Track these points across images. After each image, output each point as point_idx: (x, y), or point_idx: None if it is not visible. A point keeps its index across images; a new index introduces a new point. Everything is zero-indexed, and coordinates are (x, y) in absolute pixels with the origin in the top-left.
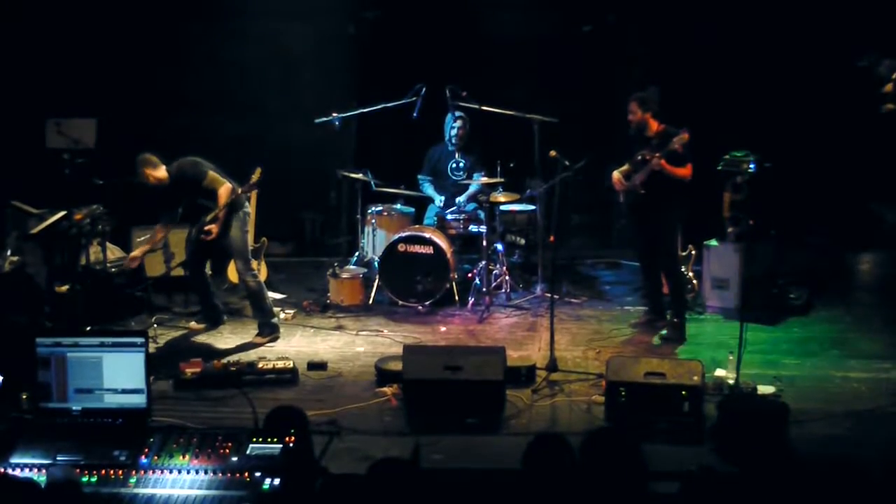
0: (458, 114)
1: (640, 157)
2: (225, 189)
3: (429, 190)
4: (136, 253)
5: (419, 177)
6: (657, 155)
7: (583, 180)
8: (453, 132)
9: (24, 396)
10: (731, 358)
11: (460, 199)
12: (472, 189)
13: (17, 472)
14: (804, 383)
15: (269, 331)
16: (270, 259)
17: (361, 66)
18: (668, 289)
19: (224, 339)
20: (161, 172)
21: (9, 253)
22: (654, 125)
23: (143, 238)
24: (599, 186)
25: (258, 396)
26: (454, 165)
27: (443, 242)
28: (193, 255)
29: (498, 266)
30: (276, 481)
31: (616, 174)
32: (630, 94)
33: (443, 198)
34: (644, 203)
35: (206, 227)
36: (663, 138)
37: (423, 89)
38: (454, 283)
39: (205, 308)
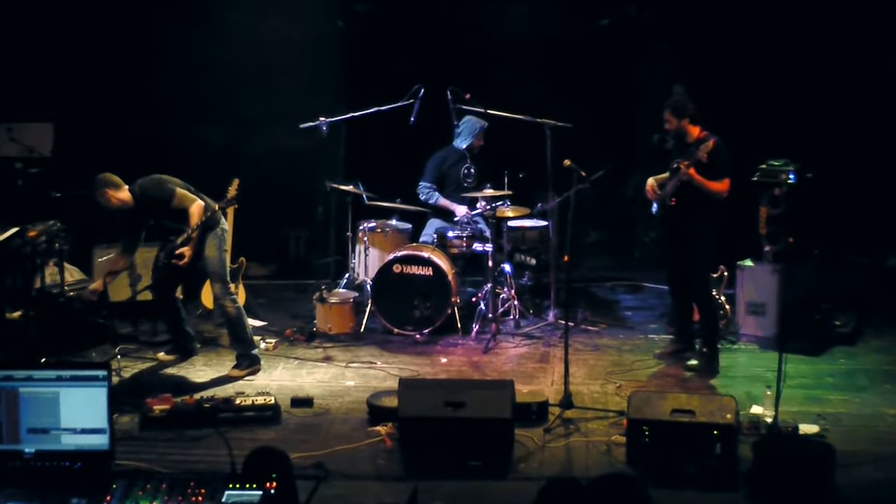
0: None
1: (675, 165)
2: (197, 207)
3: (438, 199)
4: (95, 285)
5: (422, 185)
6: (685, 163)
7: (601, 192)
8: (475, 137)
9: None
10: (768, 393)
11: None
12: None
13: None
14: (852, 422)
15: (249, 363)
16: (249, 282)
17: (352, 65)
18: (699, 315)
19: (197, 371)
20: (124, 194)
21: None
22: (695, 131)
23: (104, 259)
24: (619, 199)
25: (235, 436)
26: (465, 171)
27: (443, 263)
28: (162, 280)
29: (505, 289)
30: None
31: (651, 181)
32: (653, 96)
33: (465, 207)
34: (674, 217)
35: (178, 251)
36: (700, 145)
37: (422, 91)
38: (456, 309)
39: (175, 337)
